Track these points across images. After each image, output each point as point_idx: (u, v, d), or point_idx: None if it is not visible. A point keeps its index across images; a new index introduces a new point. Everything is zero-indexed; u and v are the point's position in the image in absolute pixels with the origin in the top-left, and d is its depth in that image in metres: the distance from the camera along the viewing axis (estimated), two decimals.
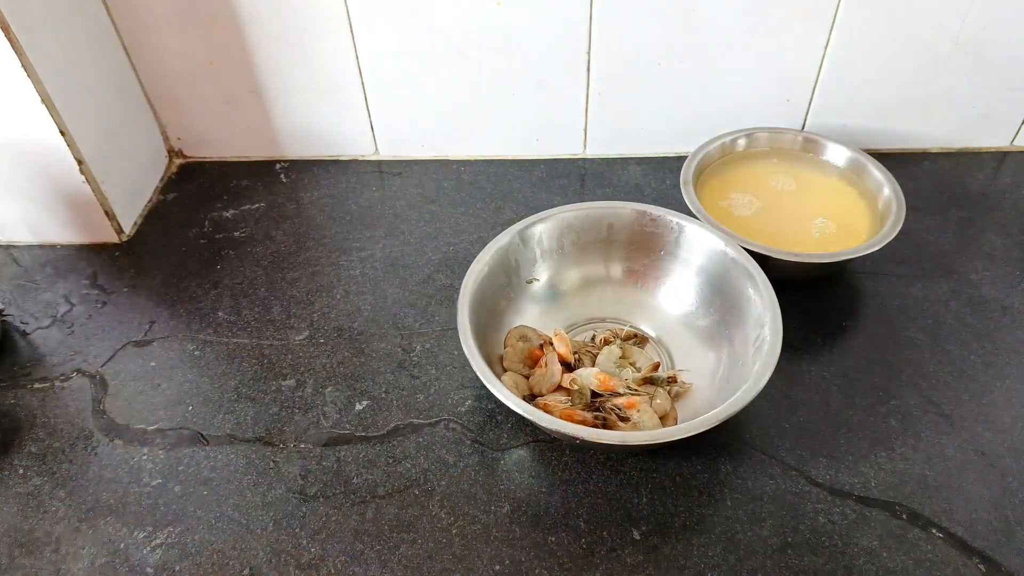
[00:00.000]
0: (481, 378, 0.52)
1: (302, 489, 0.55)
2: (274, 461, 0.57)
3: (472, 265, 0.60)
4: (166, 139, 0.87)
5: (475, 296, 0.58)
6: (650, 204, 0.64)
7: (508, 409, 0.51)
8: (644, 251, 0.65)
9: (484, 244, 0.61)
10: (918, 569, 0.49)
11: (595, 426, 0.55)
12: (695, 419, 0.50)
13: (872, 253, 0.63)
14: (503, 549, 0.51)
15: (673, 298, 0.65)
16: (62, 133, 0.68)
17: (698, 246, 0.63)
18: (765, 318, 0.56)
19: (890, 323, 0.66)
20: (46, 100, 0.66)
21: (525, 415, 0.50)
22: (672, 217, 0.63)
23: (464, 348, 0.54)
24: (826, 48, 0.76)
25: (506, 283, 0.63)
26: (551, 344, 0.60)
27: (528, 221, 0.63)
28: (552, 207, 0.64)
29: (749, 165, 0.77)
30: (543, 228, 0.64)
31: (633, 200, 0.65)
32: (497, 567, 0.50)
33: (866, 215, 0.71)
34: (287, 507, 0.54)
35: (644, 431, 0.54)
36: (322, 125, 0.85)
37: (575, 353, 0.61)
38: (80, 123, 0.70)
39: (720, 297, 0.62)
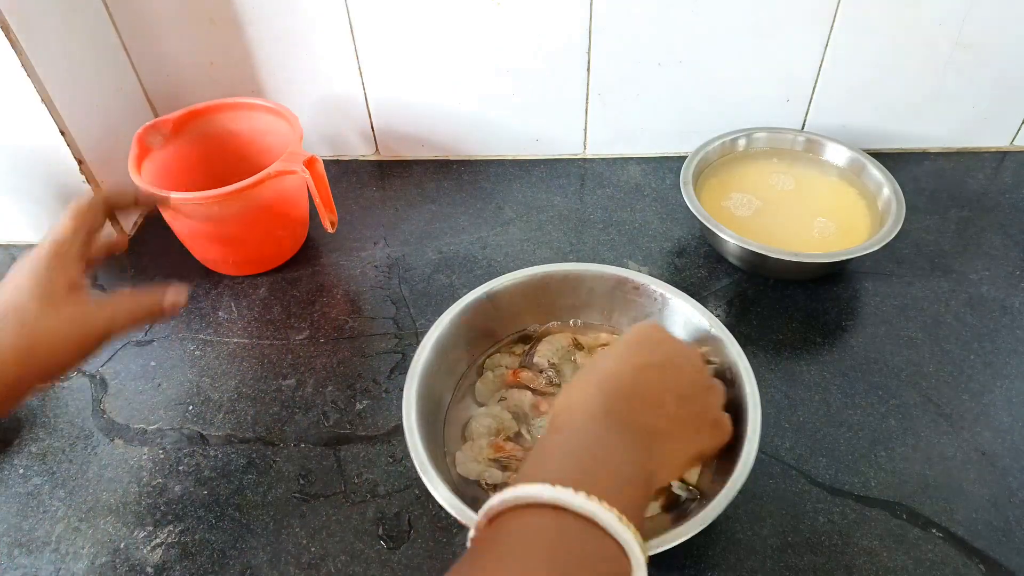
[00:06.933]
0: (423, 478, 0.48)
1: (302, 489, 0.55)
2: (274, 461, 0.57)
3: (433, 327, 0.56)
4: None
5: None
6: (634, 271, 0.59)
7: None
8: (628, 318, 0.61)
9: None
10: (918, 569, 0.49)
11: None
12: None
13: (872, 253, 0.63)
14: None
15: None
16: (62, 133, 0.68)
17: (681, 320, 0.57)
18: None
19: (890, 323, 0.65)
20: (46, 100, 0.66)
21: (453, 512, 0.46)
22: (656, 287, 0.58)
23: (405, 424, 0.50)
24: (826, 48, 0.76)
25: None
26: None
27: (498, 282, 0.59)
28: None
29: (749, 165, 0.77)
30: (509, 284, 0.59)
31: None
32: None
33: (866, 215, 0.71)
34: (287, 507, 0.54)
35: None
36: (322, 125, 0.85)
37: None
38: (80, 123, 0.70)
39: None
